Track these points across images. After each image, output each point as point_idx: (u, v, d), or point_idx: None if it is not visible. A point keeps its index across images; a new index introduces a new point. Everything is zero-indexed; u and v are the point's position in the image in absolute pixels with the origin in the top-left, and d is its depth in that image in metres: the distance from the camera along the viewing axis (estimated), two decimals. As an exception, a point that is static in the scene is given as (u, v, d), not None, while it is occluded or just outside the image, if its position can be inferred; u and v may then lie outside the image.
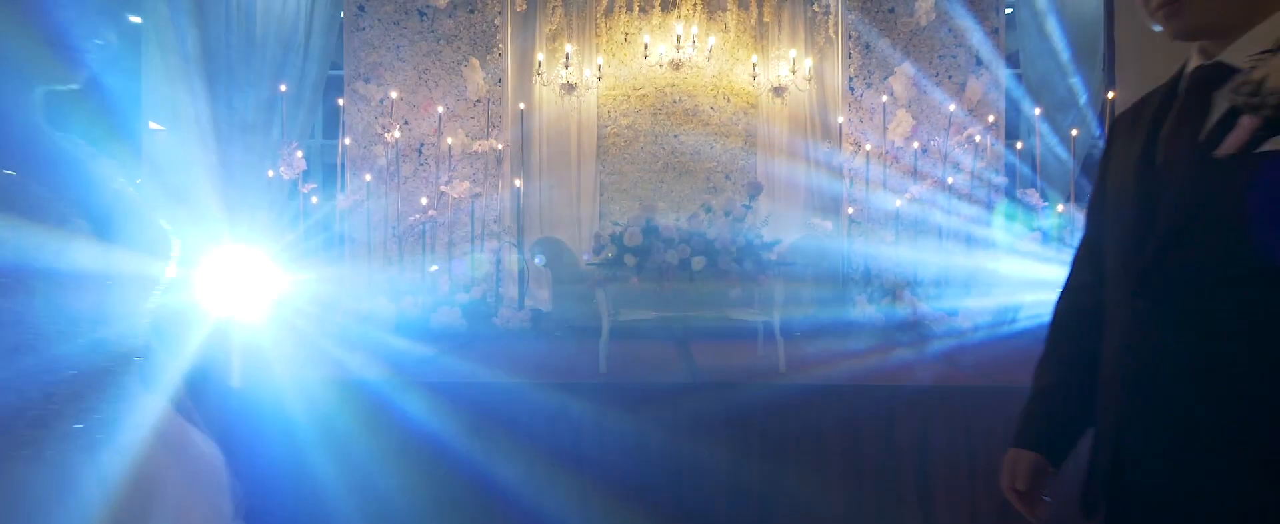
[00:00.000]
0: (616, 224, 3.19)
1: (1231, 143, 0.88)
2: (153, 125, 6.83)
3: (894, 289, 4.53)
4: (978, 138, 4.98)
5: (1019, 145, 5.14)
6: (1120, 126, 1.14)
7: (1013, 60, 6.14)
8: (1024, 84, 5.90)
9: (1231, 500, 0.92)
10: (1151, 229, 0.99)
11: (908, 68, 5.16)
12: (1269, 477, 0.89)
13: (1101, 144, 4.93)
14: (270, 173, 4.59)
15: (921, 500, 2.89)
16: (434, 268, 4.60)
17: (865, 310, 4.55)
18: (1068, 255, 1.26)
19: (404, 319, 4.25)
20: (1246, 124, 0.87)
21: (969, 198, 4.89)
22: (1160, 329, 0.98)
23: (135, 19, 5.63)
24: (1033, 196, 4.56)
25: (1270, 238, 0.87)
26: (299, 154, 4.56)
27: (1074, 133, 4.59)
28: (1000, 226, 4.68)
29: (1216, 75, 0.96)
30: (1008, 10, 6.10)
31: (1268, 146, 0.86)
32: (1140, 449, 1.02)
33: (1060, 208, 4.44)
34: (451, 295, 4.43)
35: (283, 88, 4.76)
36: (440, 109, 5.08)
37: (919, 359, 3.64)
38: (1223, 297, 0.93)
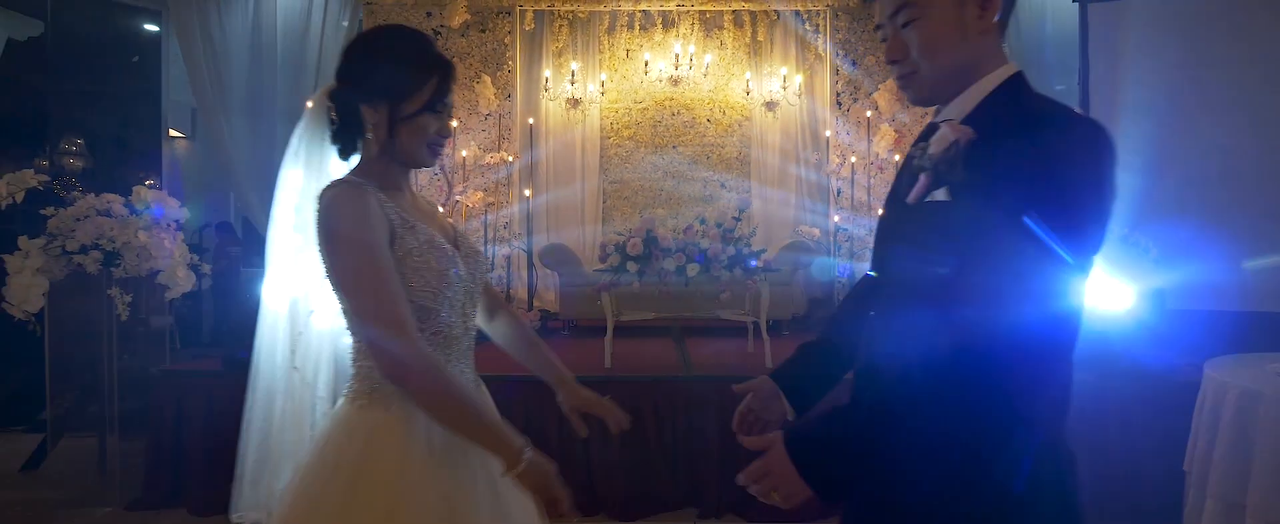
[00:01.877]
0: (619, 234, 3.55)
1: (913, 193, 1.10)
2: (172, 133, 7.22)
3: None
4: (954, 151, 5.32)
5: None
6: (904, 159, 1.30)
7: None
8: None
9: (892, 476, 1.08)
10: (879, 251, 1.23)
11: (892, 83, 5.51)
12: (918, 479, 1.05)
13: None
14: (299, 184, 4.94)
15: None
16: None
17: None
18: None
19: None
20: (923, 179, 1.09)
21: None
22: (877, 333, 1.18)
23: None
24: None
25: (933, 270, 1.05)
26: (325, 166, 4.91)
27: None
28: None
29: (933, 132, 1.13)
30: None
31: (931, 198, 1.07)
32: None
33: None
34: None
35: (309, 104, 5.10)
36: (454, 123, 5.44)
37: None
38: (908, 314, 1.09)
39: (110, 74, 7.33)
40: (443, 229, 1.39)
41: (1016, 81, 1.11)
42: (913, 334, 1.05)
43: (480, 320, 1.52)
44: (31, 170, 3.24)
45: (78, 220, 3.17)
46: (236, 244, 6.80)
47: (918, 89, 1.16)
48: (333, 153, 1.37)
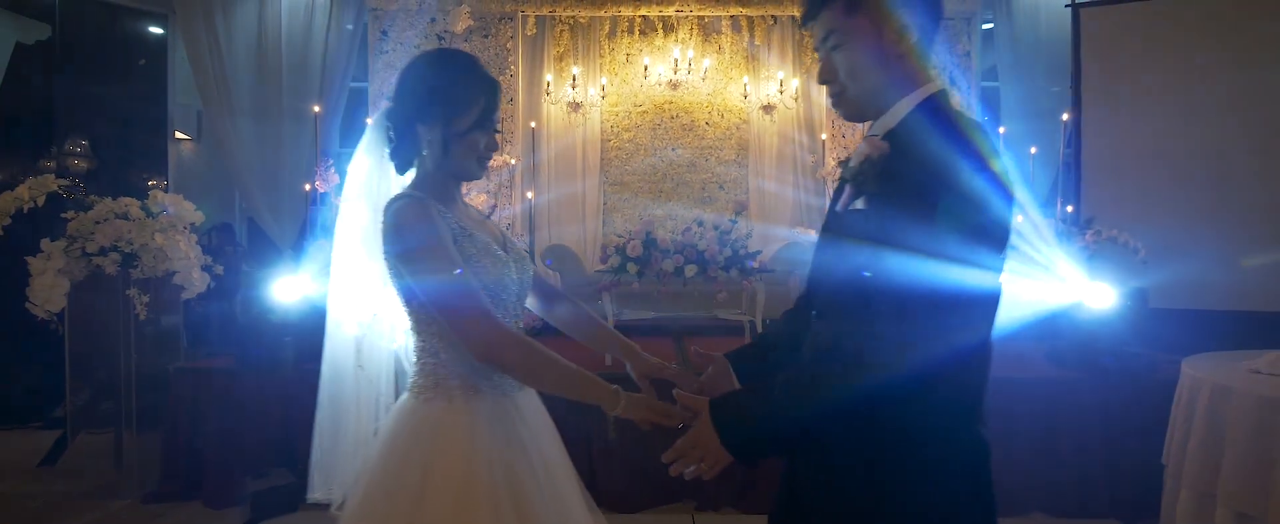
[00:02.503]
0: (620, 236, 3.66)
1: (841, 202, 1.23)
2: (178, 135, 7.32)
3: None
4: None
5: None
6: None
7: (992, 74, 6.55)
8: (1002, 97, 6.32)
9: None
10: (816, 255, 1.34)
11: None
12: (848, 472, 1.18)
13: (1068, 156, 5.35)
14: (308, 186, 5.03)
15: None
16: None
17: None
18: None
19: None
20: (847, 190, 1.22)
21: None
22: (815, 326, 1.31)
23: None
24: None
25: (852, 268, 1.17)
26: (332, 169, 5.02)
27: (1032, 150, 5.02)
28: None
29: None
30: (986, 25, 6.52)
31: (853, 207, 1.20)
32: None
33: (1017, 219, 4.83)
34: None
35: (316, 109, 5.22)
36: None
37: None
38: (835, 310, 1.24)
39: (117, 77, 7.41)
40: (493, 235, 1.51)
41: (934, 101, 1.22)
42: (838, 328, 1.19)
43: (540, 310, 1.65)
44: (52, 175, 3.35)
45: (97, 223, 3.28)
46: (233, 244, 6.89)
47: (847, 107, 1.28)
48: (390, 168, 1.49)
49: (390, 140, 1.47)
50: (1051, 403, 3.46)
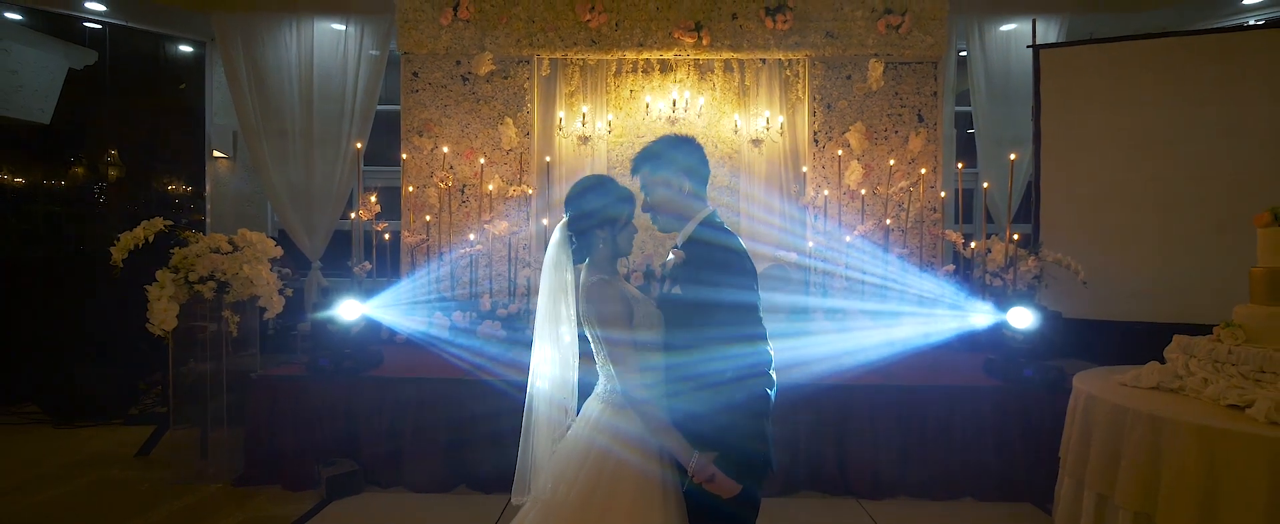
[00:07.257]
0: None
1: (665, 287, 2.04)
2: (216, 153, 7.99)
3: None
4: (911, 188, 6.10)
5: (943, 194, 6.22)
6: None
7: (965, 98, 7.19)
8: (975, 120, 6.95)
9: None
10: None
11: (861, 125, 6.28)
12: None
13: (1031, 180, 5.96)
14: (352, 215, 5.69)
15: (839, 443, 4.09)
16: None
17: (820, 325, 5.68)
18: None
19: (456, 329, 5.41)
20: (667, 282, 2.04)
21: (903, 234, 6.02)
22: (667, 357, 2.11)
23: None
24: (951, 236, 5.65)
25: (680, 321, 2.00)
26: (373, 198, 5.70)
27: (985, 186, 5.65)
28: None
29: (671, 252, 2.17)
30: (961, 52, 7.17)
31: (672, 291, 2.00)
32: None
33: (975, 245, 5.42)
34: (493, 312, 5.57)
35: (358, 145, 5.90)
36: (481, 160, 6.25)
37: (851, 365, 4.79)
38: (678, 341, 2.02)
39: (158, 98, 8.07)
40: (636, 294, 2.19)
41: (708, 220, 2.08)
42: (681, 357, 2.00)
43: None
44: (160, 218, 4.05)
45: (197, 256, 3.98)
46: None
47: (660, 224, 2.14)
48: (568, 255, 2.13)
49: (572, 242, 2.12)
50: (982, 407, 4.15)
